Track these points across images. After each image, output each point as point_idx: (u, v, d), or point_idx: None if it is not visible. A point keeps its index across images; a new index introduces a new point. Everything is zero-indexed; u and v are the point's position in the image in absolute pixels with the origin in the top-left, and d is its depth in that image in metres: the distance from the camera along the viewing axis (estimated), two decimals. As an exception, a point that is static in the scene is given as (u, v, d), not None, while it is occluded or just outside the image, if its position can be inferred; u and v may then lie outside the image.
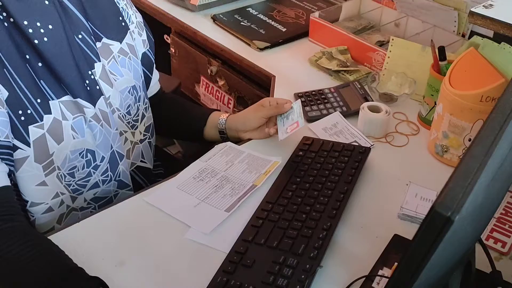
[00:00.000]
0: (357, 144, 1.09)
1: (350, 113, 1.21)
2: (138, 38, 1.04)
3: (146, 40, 1.07)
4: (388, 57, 1.30)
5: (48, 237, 0.83)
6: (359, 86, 1.28)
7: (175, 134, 1.26)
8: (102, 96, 0.94)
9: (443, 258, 0.48)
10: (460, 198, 0.39)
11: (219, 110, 1.17)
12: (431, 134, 1.11)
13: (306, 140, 1.08)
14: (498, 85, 0.96)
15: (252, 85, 1.35)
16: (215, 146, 1.08)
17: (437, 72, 1.14)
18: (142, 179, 1.11)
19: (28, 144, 0.86)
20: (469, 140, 1.03)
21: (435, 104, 1.13)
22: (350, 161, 1.02)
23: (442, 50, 1.14)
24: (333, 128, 1.16)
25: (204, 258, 0.83)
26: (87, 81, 0.90)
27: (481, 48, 1.06)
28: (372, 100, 1.24)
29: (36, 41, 0.83)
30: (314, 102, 1.24)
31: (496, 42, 1.05)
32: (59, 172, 0.91)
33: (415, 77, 1.26)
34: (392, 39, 1.29)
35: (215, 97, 1.49)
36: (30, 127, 0.85)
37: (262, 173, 1.01)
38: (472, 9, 1.07)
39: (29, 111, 0.84)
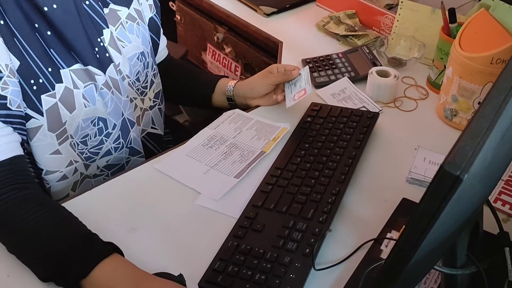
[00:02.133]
0: (365, 110, 1.09)
1: (359, 78, 1.20)
2: (144, 3, 1.04)
3: (153, 5, 1.06)
4: (397, 20, 1.29)
5: (63, 204, 0.85)
6: (367, 51, 1.27)
7: (184, 101, 1.27)
8: (112, 63, 0.94)
9: (451, 218, 0.49)
10: (469, 157, 0.40)
11: (227, 77, 1.17)
12: (440, 98, 1.10)
13: (314, 106, 1.09)
14: (509, 47, 0.95)
15: (259, 51, 1.34)
16: (223, 113, 1.08)
17: (447, 35, 1.13)
18: (154, 146, 1.13)
19: (41, 113, 0.86)
20: (479, 103, 1.03)
21: (445, 67, 1.12)
22: (358, 126, 1.02)
23: (452, 12, 1.12)
24: (341, 93, 1.16)
25: (215, 224, 0.85)
26: (97, 49, 0.90)
27: (492, 9, 1.04)
28: (381, 65, 1.23)
29: (45, 8, 0.82)
30: (322, 68, 1.23)
31: (508, 3, 1.03)
32: (72, 141, 0.93)
33: (425, 41, 1.24)
34: (401, 2, 1.27)
35: (222, 65, 1.49)
36: (43, 96, 0.86)
37: (271, 139, 1.01)
38: (484, -31, 1.05)
39: (40, 80, 0.85)
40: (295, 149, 0.97)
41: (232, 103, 1.13)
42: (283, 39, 1.24)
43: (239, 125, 1.05)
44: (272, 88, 1.09)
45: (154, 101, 1.10)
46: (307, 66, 1.10)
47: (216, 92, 1.13)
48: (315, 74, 1.21)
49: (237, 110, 1.09)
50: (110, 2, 0.96)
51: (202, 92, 1.15)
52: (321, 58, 1.26)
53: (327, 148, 0.97)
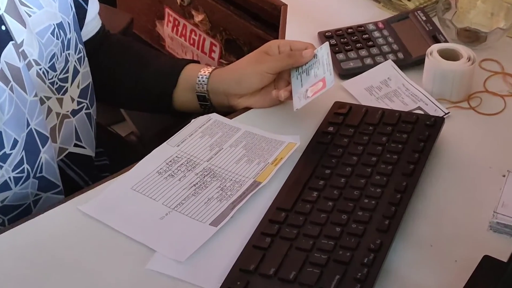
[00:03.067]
0: (422, 113, 1.10)
1: (410, 63, 1.21)
2: None
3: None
4: (471, -31, 1.30)
5: None
6: (424, 19, 1.28)
7: (127, 101, 1.27)
8: (10, 42, 0.94)
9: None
10: None
11: (198, 62, 1.18)
12: (542, 94, 1.11)
13: (339, 108, 1.09)
14: None
15: (250, 21, 1.35)
16: (192, 120, 1.08)
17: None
18: (79, 174, 1.13)
19: None
20: None
21: (549, 44, 1.13)
22: (411, 139, 1.02)
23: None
24: (382, 87, 1.17)
25: (179, 301, 0.84)
26: (-16, 17, 0.91)
27: None
28: (446, 41, 1.24)
29: None
30: (351, 46, 1.24)
31: None
32: None
33: (516, 1, 1.26)
34: None
35: (189, 42, 1.49)
36: None
37: (269, 162, 1.01)
38: None
39: None
40: (308, 178, 0.97)
41: (206, 104, 1.13)
42: (288, 0, 1.25)
43: (217, 140, 1.05)
44: (270, 79, 1.09)
45: (79, 103, 1.10)
46: (327, 44, 1.10)
47: (181, 86, 1.13)
48: (340, 57, 1.22)
49: (214, 116, 1.09)
50: None
51: (156, 86, 1.15)
52: (349, 31, 1.27)
53: (361, 175, 0.97)
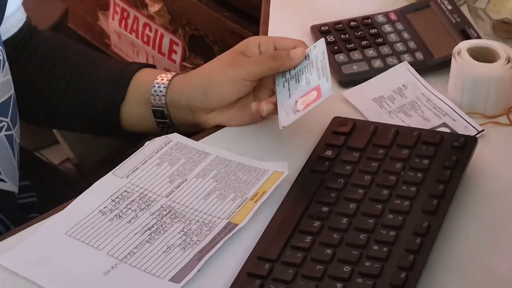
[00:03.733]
0: (448, 131, 1.11)
1: (432, 66, 1.23)
2: None
3: None
4: None
5: None
6: (449, 8, 1.29)
7: (59, 120, 1.27)
8: None
9: None
10: None
11: (154, 66, 1.18)
12: None
13: (339, 125, 1.10)
14: None
15: (222, 10, 1.35)
16: (146, 143, 1.09)
17: None
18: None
19: None
20: None
21: None
22: (434, 166, 1.03)
23: None
24: (396, 97, 1.18)
25: None
26: None
27: None
28: (479, 37, 1.25)
29: None
30: (354, 44, 1.25)
31: None
32: None
33: None
34: None
35: (142, 40, 1.49)
36: None
37: (248, 197, 1.02)
38: None
39: None
40: (300, 217, 0.97)
41: (164, 122, 1.14)
42: (272, -16, 1.26)
43: (179, 169, 1.05)
44: (249, 88, 1.10)
45: (-3, 122, 1.11)
46: (323, 41, 1.11)
47: (131, 98, 1.14)
48: (340, 58, 1.23)
49: (175, 137, 1.10)
50: None
51: (99, 99, 1.15)
52: (352, 24, 1.28)
53: (369, 214, 0.97)
